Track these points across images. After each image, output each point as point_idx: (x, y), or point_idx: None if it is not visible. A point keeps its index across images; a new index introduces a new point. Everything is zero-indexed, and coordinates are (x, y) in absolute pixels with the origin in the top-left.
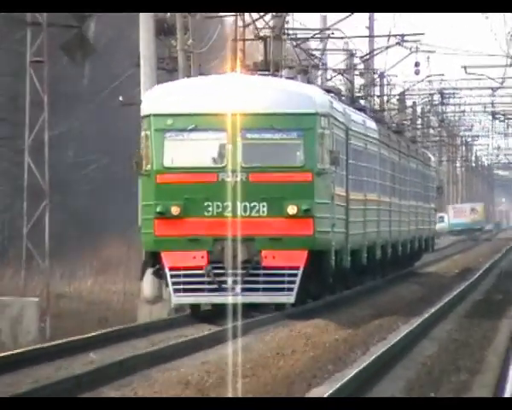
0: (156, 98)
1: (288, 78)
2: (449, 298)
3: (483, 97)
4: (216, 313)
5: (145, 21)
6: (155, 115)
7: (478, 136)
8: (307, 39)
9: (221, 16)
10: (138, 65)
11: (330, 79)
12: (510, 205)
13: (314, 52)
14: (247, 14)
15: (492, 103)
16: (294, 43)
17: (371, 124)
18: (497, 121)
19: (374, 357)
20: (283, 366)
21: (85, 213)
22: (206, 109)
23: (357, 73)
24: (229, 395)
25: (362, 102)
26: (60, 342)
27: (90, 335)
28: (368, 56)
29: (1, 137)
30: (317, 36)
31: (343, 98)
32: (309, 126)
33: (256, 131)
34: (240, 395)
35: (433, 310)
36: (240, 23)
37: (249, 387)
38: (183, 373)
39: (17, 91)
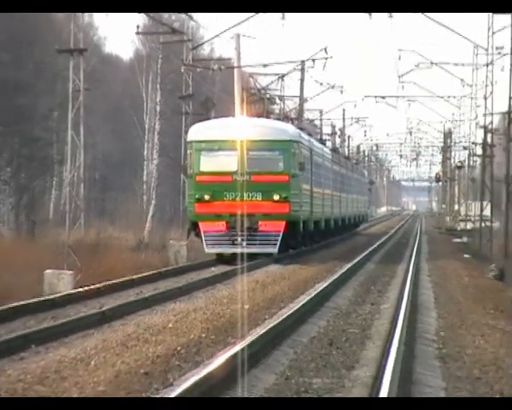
0: (196, 131)
1: (275, 119)
2: (379, 242)
3: (397, 147)
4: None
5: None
6: (195, 141)
7: (394, 166)
8: (313, 120)
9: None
10: None
11: (326, 137)
12: (408, 199)
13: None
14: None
15: (401, 150)
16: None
17: (327, 150)
18: (402, 159)
19: (345, 269)
20: (303, 273)
21: None
22: (225, 137)
23: (337, 135)
24: (277, 287)
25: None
26: (197, 262)
27: (211, 259)
28: (342, 126)
29: (170, 166)
30: (317, 119)
31: (315, 136)
32: (286, 148)
33: (255, 150)
34: (284, 288)
35: (371, 248)
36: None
37: (287, 283)
38: (256, 277)
39: (179, 145)
